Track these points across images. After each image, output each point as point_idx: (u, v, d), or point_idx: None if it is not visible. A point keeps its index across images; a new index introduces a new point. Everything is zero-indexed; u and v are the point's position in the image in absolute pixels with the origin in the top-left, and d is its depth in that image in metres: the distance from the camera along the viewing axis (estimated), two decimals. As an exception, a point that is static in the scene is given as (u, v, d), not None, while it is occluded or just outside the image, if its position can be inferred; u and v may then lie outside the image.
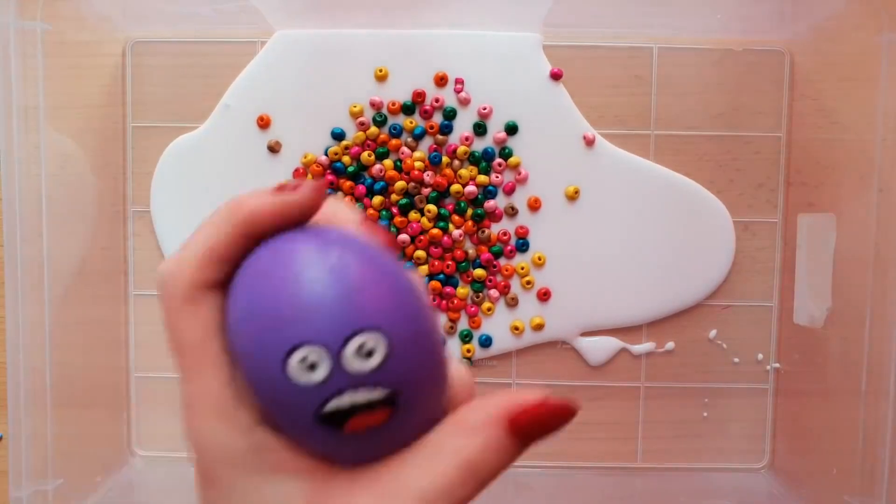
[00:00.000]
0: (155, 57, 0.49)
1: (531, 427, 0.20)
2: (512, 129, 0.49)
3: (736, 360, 0.50)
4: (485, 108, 0.48)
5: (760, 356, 0.50)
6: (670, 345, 0.50)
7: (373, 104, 0.49)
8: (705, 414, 0.50)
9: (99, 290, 0.48)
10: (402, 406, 0.19)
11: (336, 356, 0.18)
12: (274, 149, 0.49)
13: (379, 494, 0.20)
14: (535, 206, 0.49)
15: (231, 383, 0.20)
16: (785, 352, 0.49)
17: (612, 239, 0.49)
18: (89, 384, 0.47)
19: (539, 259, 0.49)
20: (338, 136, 0.49)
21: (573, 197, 0.49)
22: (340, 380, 0.18)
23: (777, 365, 0.50)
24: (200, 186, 0.49)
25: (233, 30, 0.49)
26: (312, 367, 0.18)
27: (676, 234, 0.49)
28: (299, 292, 0.18)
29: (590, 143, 0.49)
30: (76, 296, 0.44)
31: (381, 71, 0.48)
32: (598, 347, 0.49)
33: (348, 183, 0.49)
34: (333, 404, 0.18)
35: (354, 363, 0.18)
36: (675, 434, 0.50)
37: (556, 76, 0.49)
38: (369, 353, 0.18)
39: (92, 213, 0.47)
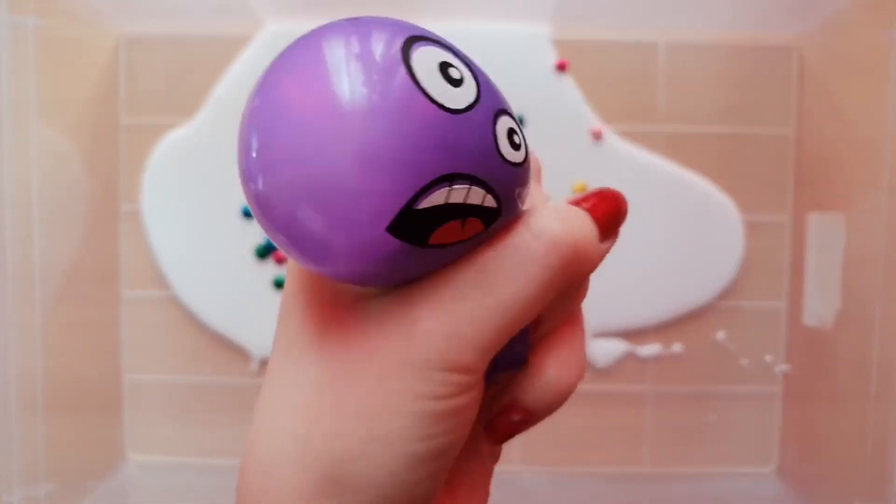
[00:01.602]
0: (147, 52, 0.48)
1: (601, 208, 0.20)
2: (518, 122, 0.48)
3: (744, 361, 0.49)
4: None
5: (769, 358, 0.49)
6: (677, 347, 0.49)
7: (371, 99, 0.48)
8: (713, 417, 0.49)
9: (91, 291, 0.47)
10: (494, 227, 0.16)
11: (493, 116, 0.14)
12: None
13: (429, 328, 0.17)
14: (539, 203, 0.48)
15: None
16: (794, 354, 0.49)
17: (619, 237, 0.48)
18: (81, 387, 0.46)
19: (543, 259, 0.48)
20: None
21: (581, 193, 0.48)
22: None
23: (785, 367, 0.49)
24: (191, 183, 0.48)
25: (227, 24, 0.48)
26: (458, 80, 0.14)
27: (684, 232, 0.48)
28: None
29: (597, 137, 0.48)
30: (68, 297, 0.43)
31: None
32: (604, 350, 0.48)
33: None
34: (439, 195, 0.13)
35: (504, 145, 0.15)
36: (682, 438, 0.49)
37: (561, 67, 0.48)
38: (517, 146, 0.15)
39: (84, 212, 0.46)
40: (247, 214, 0.48)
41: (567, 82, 0.48)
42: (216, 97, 0.48)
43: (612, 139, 0.48)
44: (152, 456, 0.50)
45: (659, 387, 0.49)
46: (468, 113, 0.14)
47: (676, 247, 0.48)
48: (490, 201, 0.14)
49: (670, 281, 0.48)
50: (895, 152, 0.38)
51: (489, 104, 0.15)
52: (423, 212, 0.13)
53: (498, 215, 0.15)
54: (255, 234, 0.49)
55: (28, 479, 0.39)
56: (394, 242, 0.13)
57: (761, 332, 0.49)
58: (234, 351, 0.49)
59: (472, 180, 0.14)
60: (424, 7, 0.47)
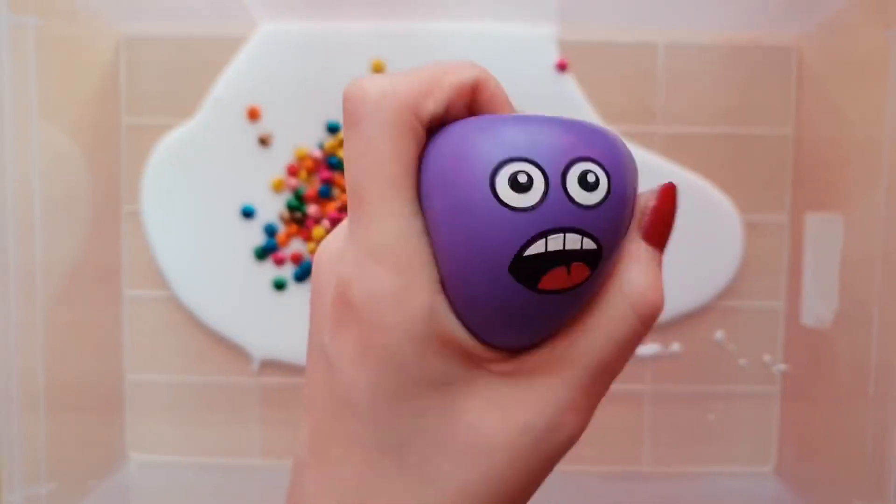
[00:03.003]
0: (147, 52, 0.48)
1: (657, 223, 0.20)
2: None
3: (742, 361, 0.49)
4: (488, 102, 0.47)
5: (767, 358, 0.49)
6: (676, 346, 0.49)
7: (370, 98, 0.48)
8: (711, 417, 0.49)
9: (92, 291, 0.47)
10: (600, 268, 0.17)
11: (557, 177, 0.16)
12: (265, 142, 0.48)
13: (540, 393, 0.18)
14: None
15: (417, 236, 0.17)
16: (792, 354, 0.49)
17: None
18: (83, 387, 0.46)
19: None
20: (333, 129, 0.48)
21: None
22: (555, 208, 0.16)
23: (784, 367, 0.49)
24: (191, 183, 0.48)
25: (225, 24, 0.48)
26: (526, 186, 0.16)
27: (683, 232, 0.48)
28: (519, 123, 0.17)
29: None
30: (69, 297, 0.43)
31: (377, 63, 0.48)
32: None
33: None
34: (539, 245, 0.16)
35: (576, 191, 0.16)
36: (680, 437, 0.49)
37: (561, 67, 0.48)
38: (593, 186, 0.16)
39: (85, 212, 0.46)
40: (246, 214, 0.48)
41: (567, 82, 0.48)
42: (215, 97, 0.48)
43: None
44: (153, 455, 0.50)
45: (658, 386, 0.49)
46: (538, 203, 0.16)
47: (675, 247, 0.48)
48: (589, 244, 0.16)
49: (669, 281, 0.48)
50: (894, 152, 0.38)
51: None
52: (528, 259, 0.16)
53: (600, 256, 0.17)
54: (255, 234, 0.49)
55: (29, 478, 0.39)
56: (512, 281, 0.16)
57: (760, 332, 0.49)
58: (234, 351, 0.49)
59: (563, 230, 0.16)
60: (426, 7, 0.47)
